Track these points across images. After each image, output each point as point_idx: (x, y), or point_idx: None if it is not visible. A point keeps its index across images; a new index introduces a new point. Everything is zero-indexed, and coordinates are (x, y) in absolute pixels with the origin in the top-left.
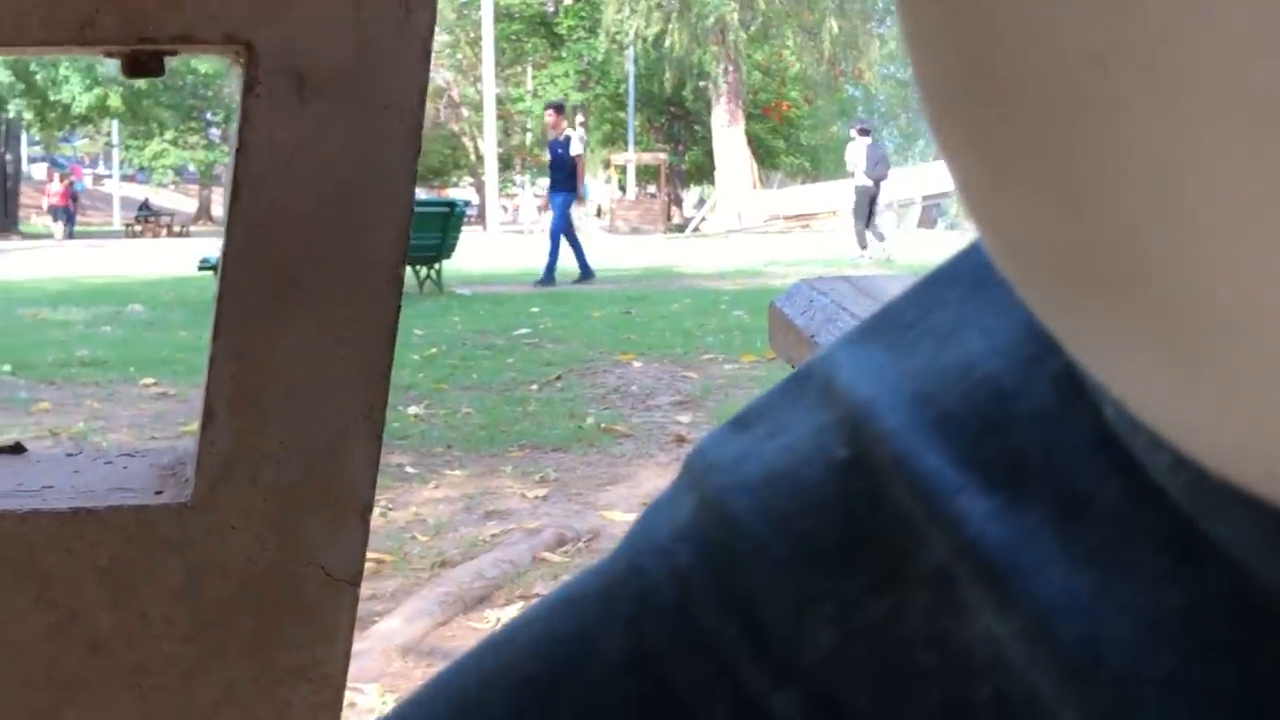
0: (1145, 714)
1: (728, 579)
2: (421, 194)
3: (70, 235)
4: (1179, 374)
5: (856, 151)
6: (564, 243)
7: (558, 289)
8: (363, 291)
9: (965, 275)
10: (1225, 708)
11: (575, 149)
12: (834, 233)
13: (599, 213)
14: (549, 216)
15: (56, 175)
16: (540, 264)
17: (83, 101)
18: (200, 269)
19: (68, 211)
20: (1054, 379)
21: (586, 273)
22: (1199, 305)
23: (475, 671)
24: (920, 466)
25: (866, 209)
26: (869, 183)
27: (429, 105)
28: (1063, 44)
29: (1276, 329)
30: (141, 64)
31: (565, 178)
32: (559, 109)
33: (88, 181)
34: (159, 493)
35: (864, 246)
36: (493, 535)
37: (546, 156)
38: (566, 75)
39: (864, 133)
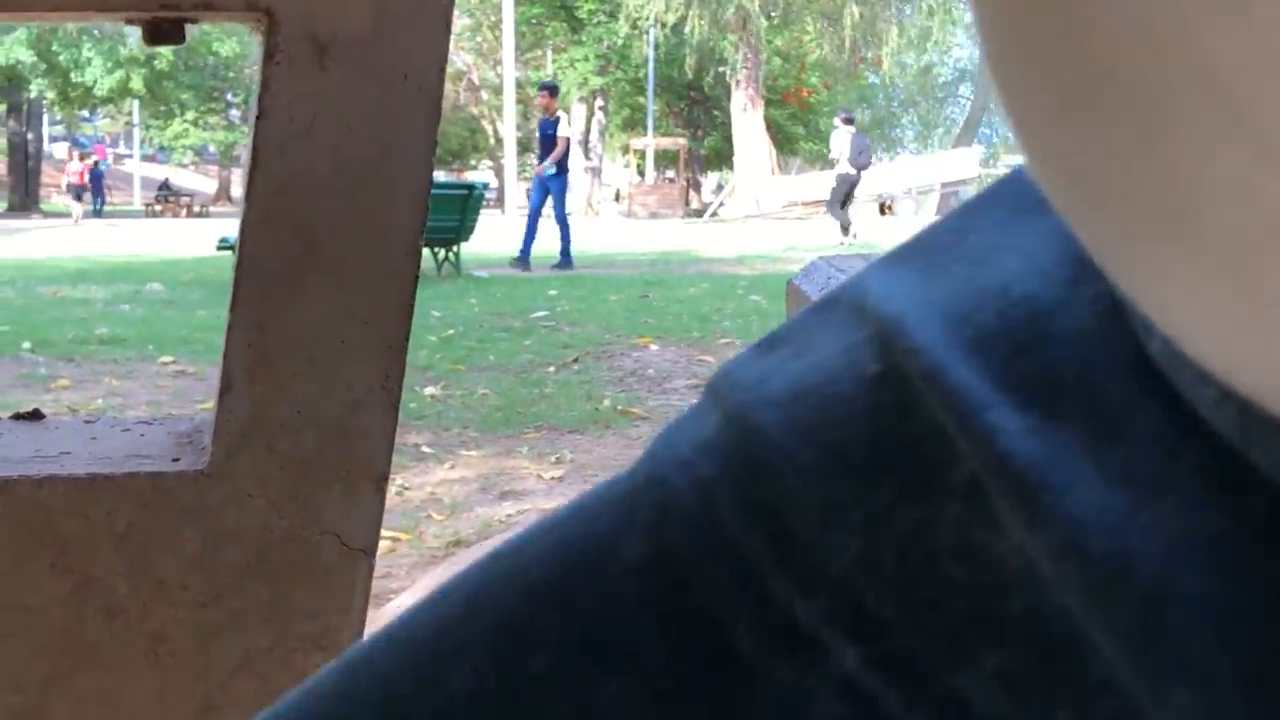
0: (1172, 630)
1: (753, 487)
2: (440, 177)
3: (99, 214)
4: (1237, 307)
5: (841, 140)
6: (537, 225)
7: (575, 272)
8: (381, 261)
9: (1003, 202)
10: (1252, 627)
11: (563, 130)
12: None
13: (617, 197)
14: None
15: (76, 154)
16: (555, 248)
17: (105, 84)
18: (219, 248)
19: (96, 189)
20: (1094, 302)
21: (565, 262)
22: (1263, 236)
23: (485, 576)
24: (952, 380)
25: (843, 196)
26: (852, 171)
27: (449, 88)
28: None
29: None
30: (163, 31)
31: (557, 160)
32: (552, 90)
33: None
34: (176, 460)
35: (846, 232)
36: (508, 516)
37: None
38: (586, 59)
39: (848, 121)
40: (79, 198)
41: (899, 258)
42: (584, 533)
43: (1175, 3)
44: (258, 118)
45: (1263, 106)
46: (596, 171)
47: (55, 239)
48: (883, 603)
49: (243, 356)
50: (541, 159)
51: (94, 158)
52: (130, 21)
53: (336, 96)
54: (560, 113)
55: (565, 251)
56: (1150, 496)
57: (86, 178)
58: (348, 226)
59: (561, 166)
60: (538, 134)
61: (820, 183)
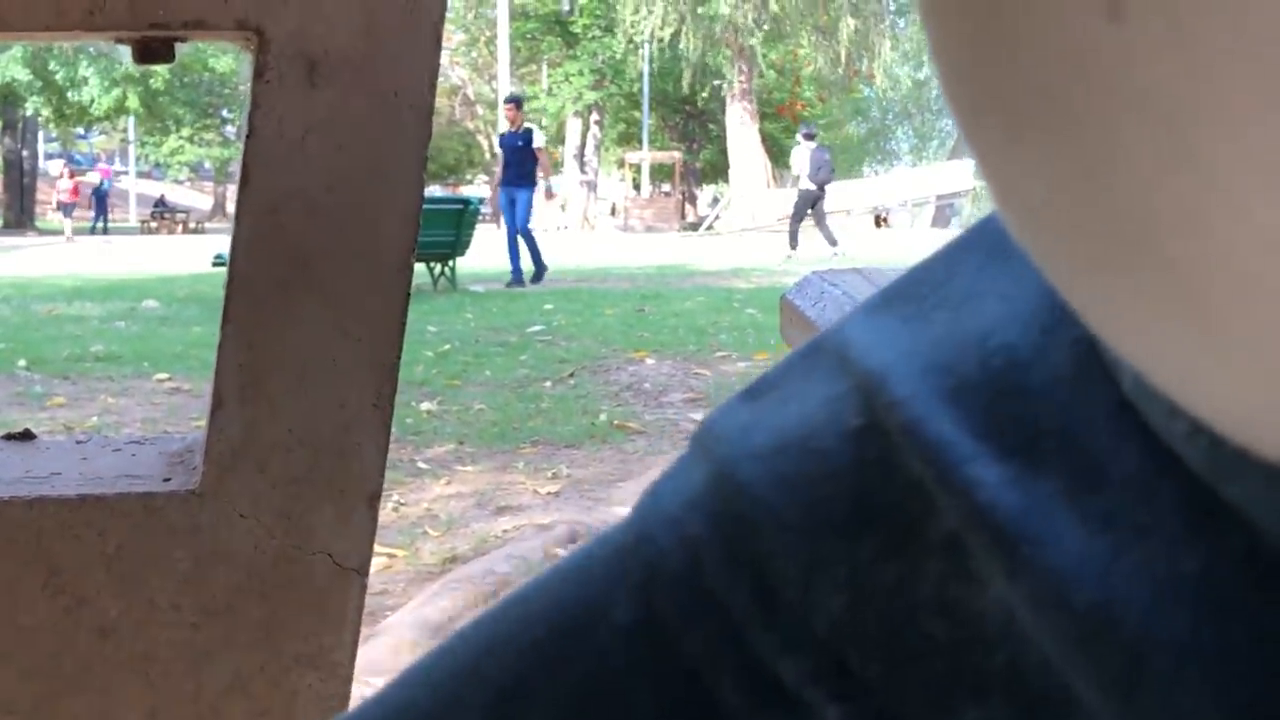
0: (1156, 678)
1: (738, 545)
2: (436, 191)
3: (103, 231)
4: (1195, 337)
5: (800, 156)
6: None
7: (571, 286)
8: (372, 279)
9: (981, 244)
10: (1237, 670)
11: (538, 141)
12: (846, 230)
13: (613, 211)
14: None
15: (67, 171)
16: (551, 262)
17: (102, 102)
18: (214, 265)
19: (100, 207)
20: (1071, 346)
21: (540, 272)
22: (1216, 264)
23: (481, 638)
24: (932, 434)
25: (804, 211)
26: (812, 187)
27: (444, 103)
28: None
29: None
30: (152, 50)
31: (526, 173)
32: (517, 103)
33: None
34: (167, 480)
35: (794, 247)
36: (505, 531)
37: (561, 154)
38: (581, 74)
39: (809, 138)
40: (69, 215)
41: (881, 304)
42: (577, 595)
43: (1118, 33)
44: (248, 136)
45: (1208, 135)
46: (592, 185)
47: (51, 256)
48: (866, 660)
49: (234, 375)
50: (506, 172)
51: (99, 177)
52: (120, 41)
53: (327, 114)
54: (528, 124)
55: (538, 262)
56: (1130, 542)
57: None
58: (339, 244)
59: (530, 180)
60: (500, 147)
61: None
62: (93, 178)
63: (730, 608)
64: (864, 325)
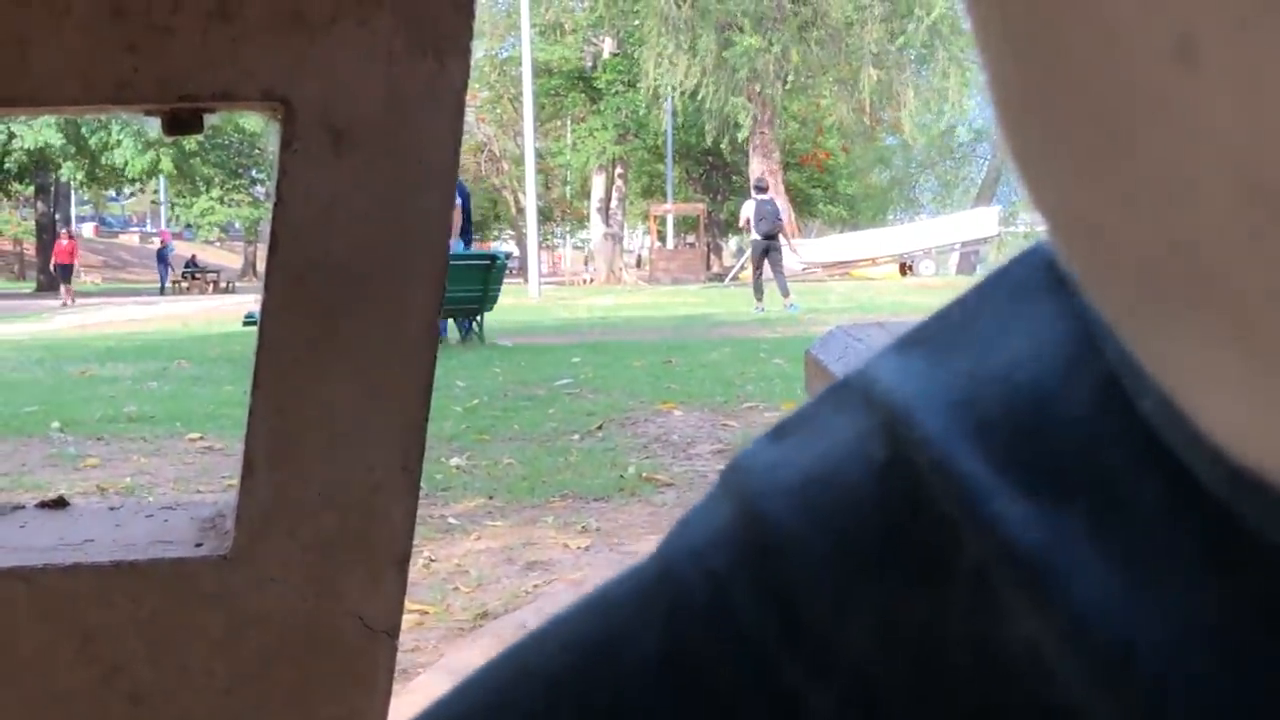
0: (1175, 717)
1: (765, 577)
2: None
3: (162, 292)
4: (1243, 367)
5: (748, 209)
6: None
7: (599, 339)
8: (399, 342)
9: (1004, 287)
10: (1253, 712)
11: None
12: (874, 280)
13: (639, 263)
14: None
15: (64, 232)
16: (578, 316)
17: (135, 165)
18: (245, 324)
19: (163, 266)
20: (1096, 383)
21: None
22: (1272, 302)
23: (506, 672)
24: (958, 469)
25: (759, 263)
26: (758, 237)
27: (470, 159)
28: (1145, 33)
29: None
30: (181, 121)
31: (463, 225)
32: None
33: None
34: (199, 545)
35: (759, 298)
36: (535, 586)
37: (586, 208)
38: (605, 129)
39: (759, 190)
40: (68, 278)
41: (907, 344)
42: (600, 626)
43: (1188, 74)
44: (276, 204)
45: (1274, 176)
46: (617, 238)
47: (83, 318)
48: (893, 693)
49: (264, 440)
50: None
51: (162, 242)
52: (149, 113)
53: (352, 182)
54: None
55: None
56: (1152, 580)
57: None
58: (366, 309)
59: (464, 234)
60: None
61: (841, 245)
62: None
63: (757, 639)
64: (889, 364)
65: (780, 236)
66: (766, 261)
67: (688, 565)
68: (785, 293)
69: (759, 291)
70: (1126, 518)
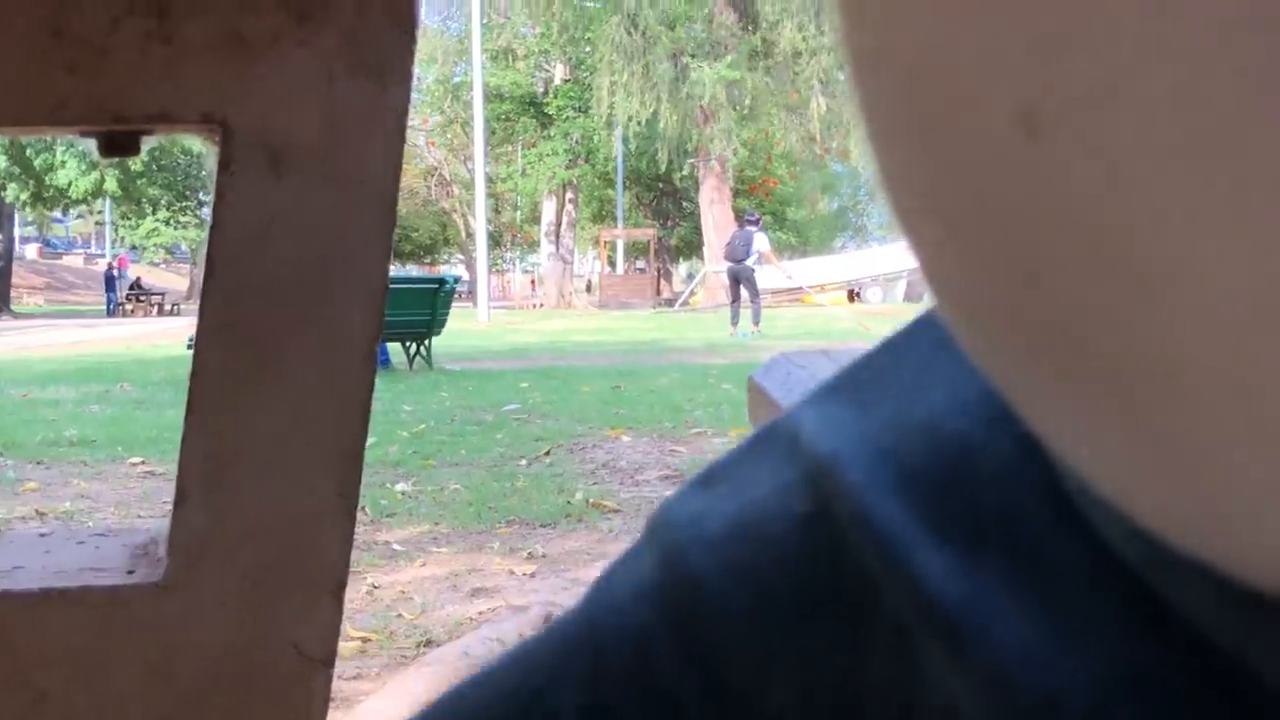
0: None
1: (687, 635)
2: (411, 271)
3: (110, 314)
4: (1130, 445)
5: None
6: None
7: (548, 364)
8: (337, 367)
9: (928, 333)
10: None
11: None
12: (822, 307)
13: (589, 288)
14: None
15: None
16: (527, 340)
17: (80, 185)
18: (189, 348)
19: (111, 289)
20: (1017, 438)
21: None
22: (1150, 373)
23: None
24: (880, 521)
25: (735, 290)
26: (730, 264)
27: (419, 183)
28: (988, 102)
29: (1218, 391)
30: (118, 144)
31: None
32: None
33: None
34: (131, 573)
35: (735, 323)
36: (480, 613)
37: (536, 233)
38: (555, 154)
39: (750, 222)
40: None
41: (832, 391)
42: (518, 686)
43: (1036, 148)
44: (213, 227)
45: (1135, 243)
46: (567, 263)
47: (26, 340)
48: None
49: (198, 466)
50: None
51: (116, 265)
52: (85, 134)
53: (290, 205)
54: None
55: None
56: (1075, 632)
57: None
58: (303, 334)
59: None
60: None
61: (791, 271)
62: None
63: (679, 699)
64: (815, 411)
65: (751, 264)
66: (741, 288)
67: (610, 621)
68: (755, 321)
69: (734, 317)
70: (1048, 571)
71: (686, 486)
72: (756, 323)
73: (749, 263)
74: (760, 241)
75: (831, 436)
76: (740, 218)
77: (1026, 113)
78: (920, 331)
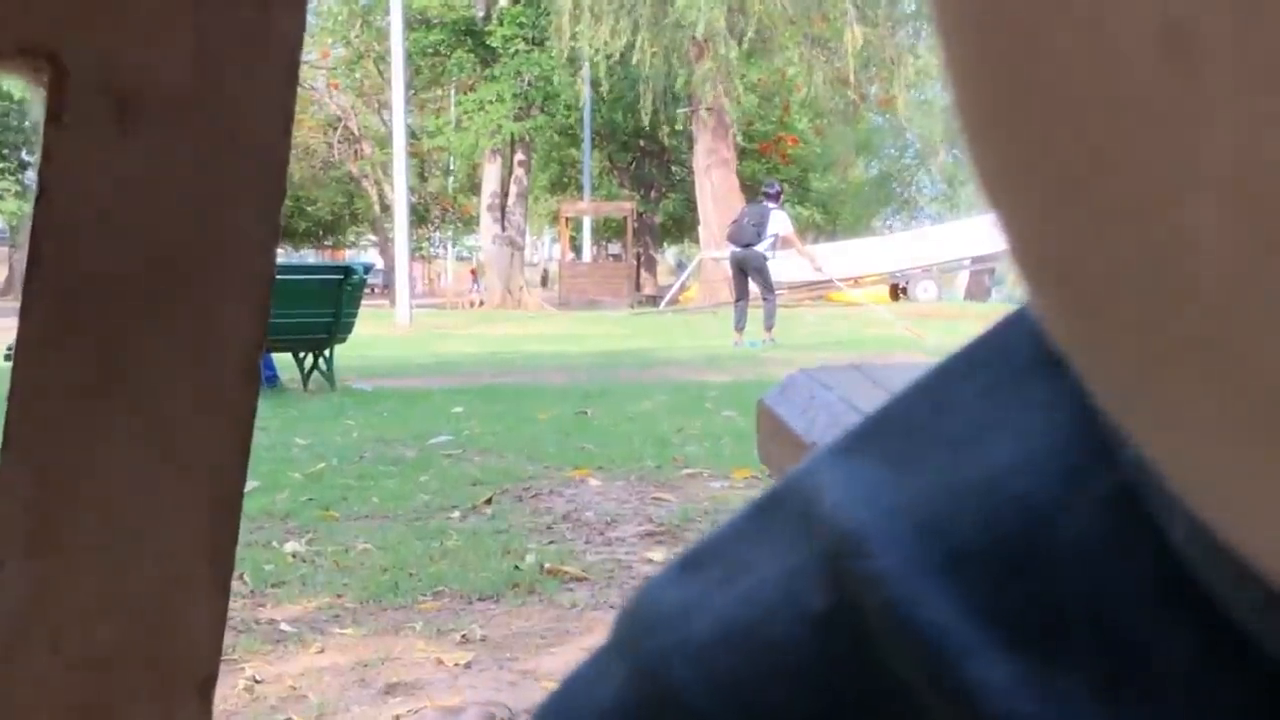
0: None
1: None
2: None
3: None
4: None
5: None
6: None
7: (490, 383)
8: (208, 386)
9: (991, 361)
10: None
11: None
12: (856, 306)
13: (545, 280)
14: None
15: None
16: (463, 350)
17: None
18: (7, 359)
19: None
20: (1107, 501)
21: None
22: None
23: None
24: (924, 620)
25: (741, 284)
26: (734, 249)
27: (318, 139)
28: (1127, 23)
29: None
30: None
31: None
32: None
33: None
34: None
35: (740, 328)
36: (397, 716)
37: (475, 206)
38: (501, 99)
39: (769, 197)
40: None
41: (860, 442)
42: None
43: (1178, 70)
44: (39, 197)
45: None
46: (516, 246)
47: None
48: None
49: (19, 521)
50: None
51: None
52: None
53: (145, 168)
54: None
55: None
56: None
57: None
58: (163, 341)
59: None
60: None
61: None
62: None
63: None
64: (837, 470)
65: (765, 250)
66: (750, 281)
67: None
68: (768, 326)
69: (739, 318)
70: (1147, 679)
71: (667, 571)
72: (769, 327)
73: (761, 248)
74: (779, 221)
75: (858, 505)
76: (748, 188)
77: (1170, 28)
78: (976, 360)
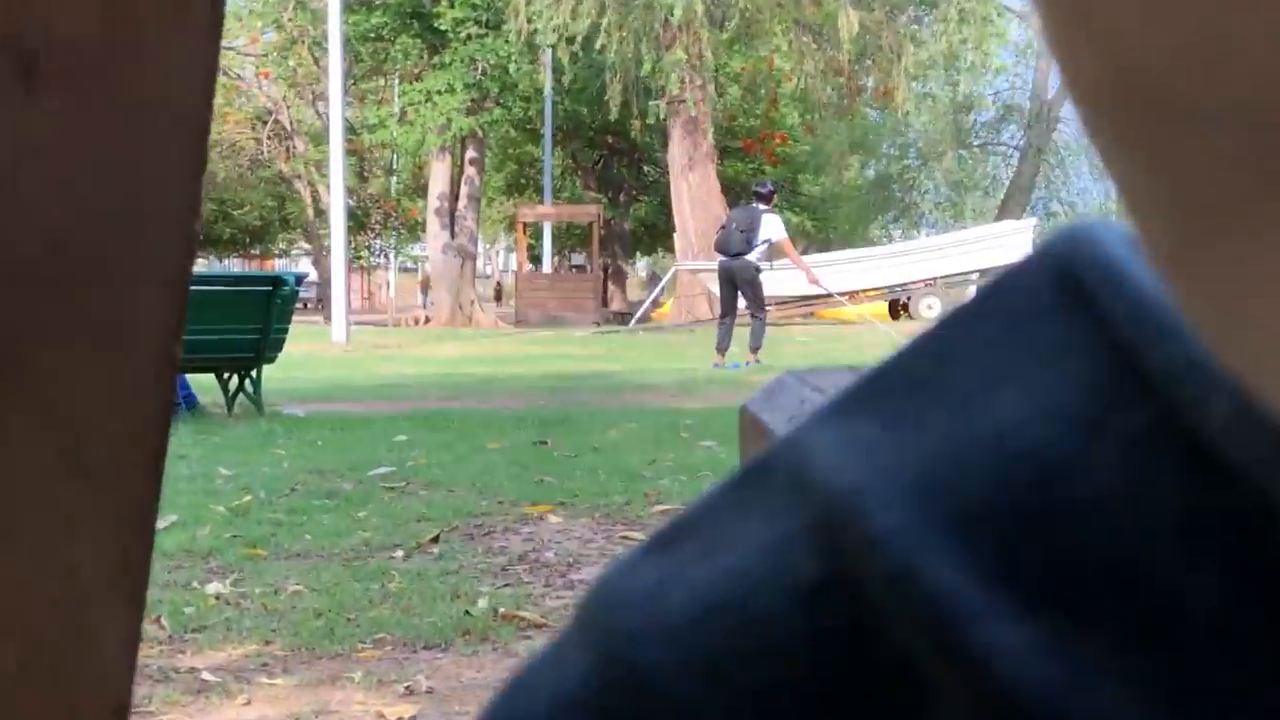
0: None
1: None
2: (234, 267)
3: None
4: None
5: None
6: None
7: (437, 407)
8: (117, 382)
9: (1000, 309)
10: None
11: None
12: (852, 325)
13: (499, 294)
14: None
15: None
16: (407, 372)
17: None
18: None
19: None
20: (1126, 447)
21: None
22: None
23: None
24: (928, 583)
25: (724, 299)
26: (722, 259)
27: (246, 135)
28: None
29: None
30: None
31: None
32: None
33: None
34: None
35: (723, 348)
36: None
37: (421, 210)
38: (451, 90)
39: (759, 198)
40: None
41: (854, 402)
42: None
43: None
44: None
45: None
46: (468, 255)
47: None
48: None
49: None
50: None
51: None
52: None
53: (50, 134)
54: None
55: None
56: None
57: None
58: (67, 331)
59: None
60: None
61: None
62: None
63: None
64: (828, 433)
65: (756, 260)
66: (740, 296)
67: None
68: (753, 348)
69: (722, 336)
70: (1173, 639)
71: (637, 551)
72: (756, 348)
73: (752, 257)
74: (772, 226)
75: (854, 466)
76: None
77: None
78: (983, 310)
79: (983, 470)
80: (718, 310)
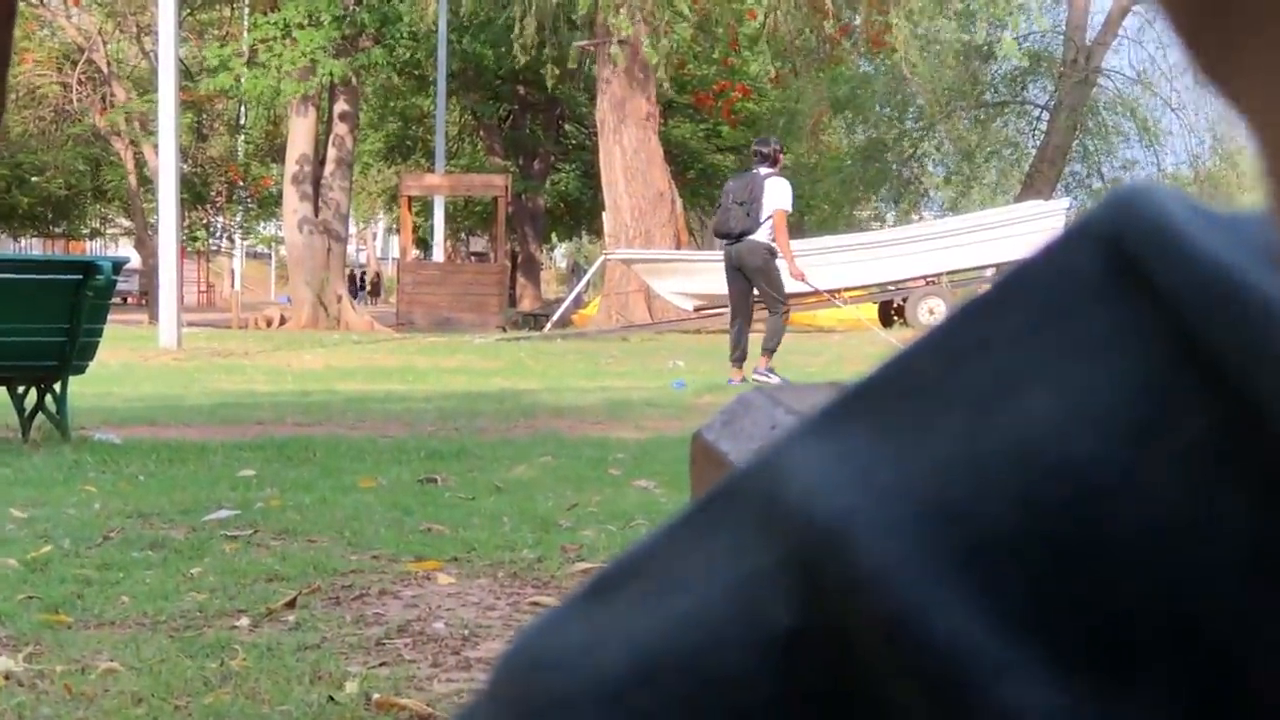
0: None
1: None
2: (33, 250)
3: None
4: None
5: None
6: None
7: (292, 434)
8: None
9: (1028, 296)
10: None
11: None
12: (834, 332)
13: (375, 288)
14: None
15: None
16: (256, 389)
17: None
18: None
19: None
20: (1188, 458)
21: None
22: None
23: None
24: (939, 632)
25: (733, 295)
26: (726, 246)
27: (52, 82)
28: None
29: None
30: None
31: None
32: None
33: None
34: None
35: (737, 361)
36: None
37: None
38: (316, 23)
39: (760, 159)
40: None
41: (843, 412)
42: None
43: None
44: None
45: None
46: (335, 237)
47: None
48: None
49: None
50: None
51: None
52: None
53: None
54: None
55: None
56: None
57: None
58: None
59: None
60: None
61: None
62: None
63: None
64: (812, 448)
65: (767, 240)
66: (755, 290)
67: None
68: (766, 349)
69: (737, 347)
70: (1238, 693)
71: (566, 602)
72: (769, 350)
73: (761, 236)
74: (779, 193)
75: (843, 488)
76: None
77: None
78: (991, 310)
79: (1004, 490)
80: (658, 314)
